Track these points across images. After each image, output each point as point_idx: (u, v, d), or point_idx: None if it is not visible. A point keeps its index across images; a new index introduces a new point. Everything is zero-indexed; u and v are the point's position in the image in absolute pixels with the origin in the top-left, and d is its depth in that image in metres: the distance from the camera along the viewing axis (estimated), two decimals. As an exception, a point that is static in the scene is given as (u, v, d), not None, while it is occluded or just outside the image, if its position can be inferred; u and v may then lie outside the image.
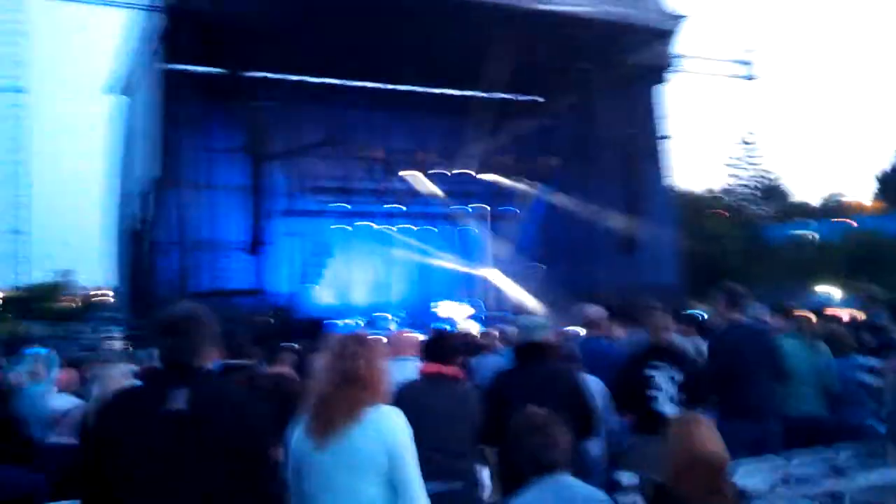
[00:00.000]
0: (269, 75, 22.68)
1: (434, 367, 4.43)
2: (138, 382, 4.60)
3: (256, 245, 20.62)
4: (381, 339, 3.14)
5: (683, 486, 3.15)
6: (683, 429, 3.31)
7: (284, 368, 5.36)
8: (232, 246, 22.30)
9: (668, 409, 5.31)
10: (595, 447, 5.16)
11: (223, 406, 2.72)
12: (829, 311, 8.52)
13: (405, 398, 3.61)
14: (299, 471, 2.88)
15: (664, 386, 5.42)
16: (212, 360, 2.92)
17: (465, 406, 4.32)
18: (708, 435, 3.25)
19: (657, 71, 24.71)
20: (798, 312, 6.92)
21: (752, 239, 43.18)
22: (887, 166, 54.79)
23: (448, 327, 22.55)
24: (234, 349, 5.33)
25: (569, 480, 3.20)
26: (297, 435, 2.88)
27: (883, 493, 4.44)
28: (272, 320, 21.28)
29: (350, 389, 2.79)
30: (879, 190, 55.95)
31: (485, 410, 4.32)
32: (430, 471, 3.01)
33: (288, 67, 22.89)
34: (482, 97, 26.60)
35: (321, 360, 2.94)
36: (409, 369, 4.71)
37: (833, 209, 56.54)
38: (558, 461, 3.20)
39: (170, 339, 2.78)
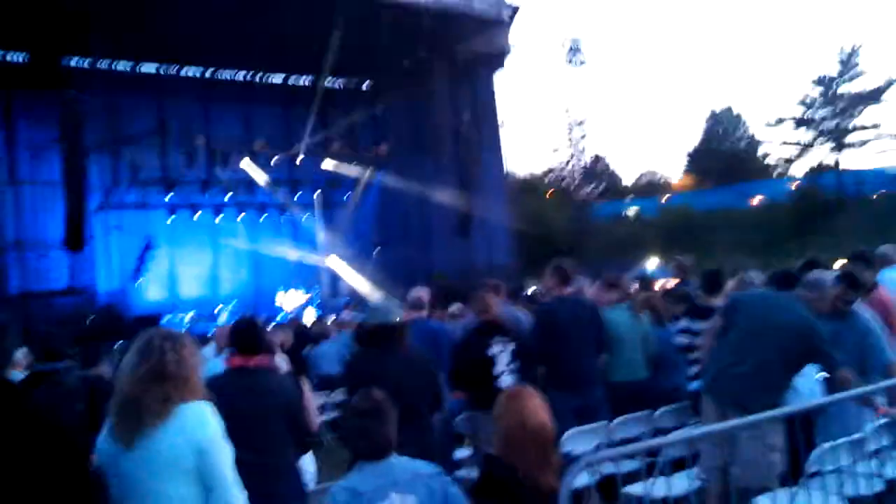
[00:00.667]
0: (86, 62, 21.32)
1: (239, 360, 4.13)
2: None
3: (75, 242, 19.33)
4: (188, 335, 2.98)
5: (514, 457, 3.27)
6: (513, 402, 3.42)
7: (101, 370, 5.03)
8: (48, 244, 20.89)
9: (508, 382, 5.46)
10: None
11: (20, 418, 2.55)
12: (648, 282, 8.95)
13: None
14: (105, 475, 2.70)
15: (506, 361, 5.57)
16: (13, 367, 2.72)
17: (275, 397, 4.07)
18: (536, 407, 3.36)
19: (492, 59, 25.27)
20: (623, 282, 7.24)
21: (578, 218, 45.13)
22: (696, 143, 58.66)
23: (281, 317, 22.27)
24: (48, 352, 4.96)
25: (401, 460, 3.25)
26: (103, 437, 2.71)
27: (693, 444, 4.78)
28: (91, 319, 20.14)
29: (157, 387, 2.64)
30: (689, 164, 59.87)
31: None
32: (241, 472, 2.86)
33: (107, 53, 21.59)
34: (315, 84, 26.28)
35: (127, 358, 2.76)
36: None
37: (649, 186, 60.11)
38: (390, 443, 3.24)
39: None
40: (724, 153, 53.76)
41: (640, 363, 6.61)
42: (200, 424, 2.72)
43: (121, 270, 23.56)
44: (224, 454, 2.75)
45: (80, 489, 2.58)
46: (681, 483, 4.80)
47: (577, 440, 5.16)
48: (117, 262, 23.58)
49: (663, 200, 48.86)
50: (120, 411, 2.67)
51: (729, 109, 56.59)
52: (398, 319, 5.07)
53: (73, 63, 20.79)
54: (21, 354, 5.15)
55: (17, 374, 5.08)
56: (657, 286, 9.73)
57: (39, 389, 4.35)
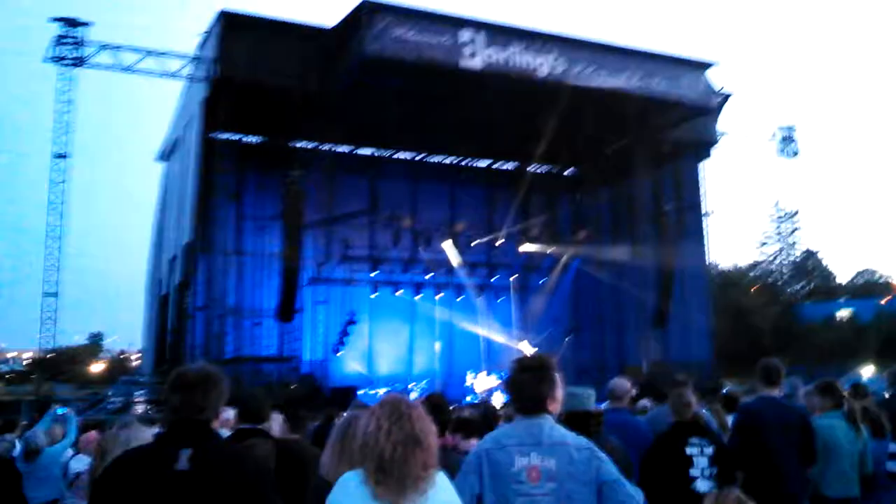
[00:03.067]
0: (308, 145, 23.11)
1: None
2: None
3: (286, 312, 20.67)
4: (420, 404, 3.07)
5: None
6: None
7: (297, 436, 5.28)
8: (261, 313, 22.39)
9: (705, 486, 5.19)
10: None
11: (226, 466, 2.72)
12: (863, 392, 8.25)
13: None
14: None
15: (702, 464, 5.31)
16: (220, 420, 2.90)
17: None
18: None
19: (698, 147, 24.86)
20: (841, 391, 6.73)
21: (785, 317, 42.64)
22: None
23: (470, 398, 22.41)
24: (251, 413, 5.27)
25: (553, 426, 3.35)
26: (357, 500, 2.73)
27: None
28: (294, 387, 21.22)
29: (417, 453, 2.74)
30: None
31: None
32: None
33: (325, 137, 23.31)
34: (519, 169, 26.93)
35: (372, 421, 2.85)
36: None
37: (866, 287, 55.78)
38: (544, 401, 3.39)
39: (178, 396, 2.79)
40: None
41: (854, 478, 6.07)
42: (452, 492, 2.85)
43: (324, 341, 24.78)
44: None
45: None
46: None
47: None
48: (322, 333, 24.85)
49: (883, 302, 45.13)
50: (380, 474, 2.70)
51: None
52: (595, 407, 4.97)
53: (298, 145, 22.55)
54: (231, 414, 5.50)
55: (223, 432, 5.44)
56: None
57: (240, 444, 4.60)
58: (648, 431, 6.50)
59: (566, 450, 3.23)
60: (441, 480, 2.81)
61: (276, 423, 5.36)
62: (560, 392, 3.47)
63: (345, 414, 11.19)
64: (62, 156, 21.19)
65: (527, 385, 3.36)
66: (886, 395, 8.44)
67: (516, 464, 3.19)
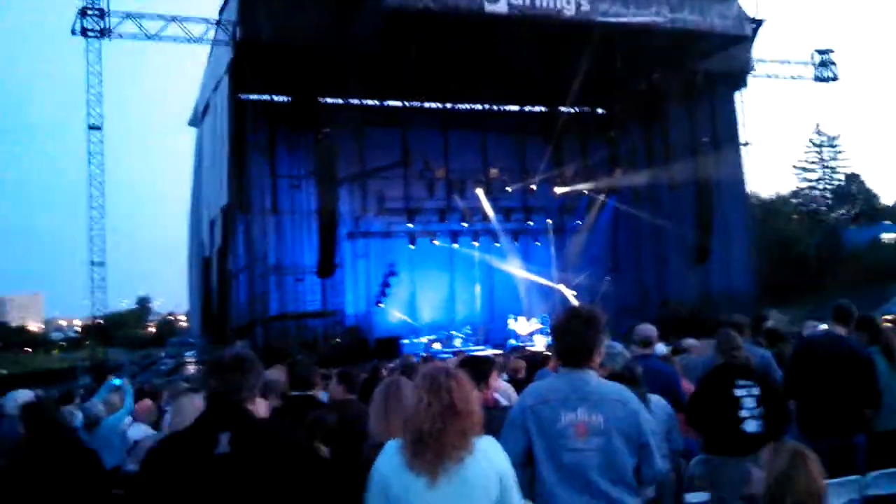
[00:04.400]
0: (336, 101, 23.07)
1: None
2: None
3: (326, 268, 20.91)
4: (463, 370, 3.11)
5: None
6: (794, 462, 3.07)
7: (351, 397, 5.39)
8: (303, 269, 22.69)
9: (753, 427, 5.22)
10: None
11: (267, 448, 2.77)
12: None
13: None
14: None
15: (751, 405, 5.33)
16: (256, 398, 2.96)
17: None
18: (817, 472, 3.03)
19: (733, 77, 24.31)
20: (878, 325, 6.67)
21: (828, 244, 41.99)
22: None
23: (513, 341, 22.62)
24: (299, 380, 5.39)
25: (598, 379, 3.36)
26: (397, 471, 2.81)
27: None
28: (339, 340, 21.57)
29: (455, 422, 2.80)
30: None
31: None
32: None
33: (354, 92, 23.24)
34: (550, 112, 26.65)
35: (413, 394, 2.92)
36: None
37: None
38: (591, 351, 3.37)
39: (215, 380, 2.85)
40: None
41: None
42: (499, 455, 2.88)
43: (366, 294, 25.08)
44: (516, 483, 2.90)
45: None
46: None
47: (831, 493, 4.80)
48: (363, 286, 25.17)
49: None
50: (417, 446, 2.77)
51: None
52: (621, 365, 4.96)
53: (327, 101, 22.52)
54: (278, 375, 5.64)
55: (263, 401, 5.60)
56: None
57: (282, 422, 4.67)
58: (677, 377, 6.54)
59: (613, 405, 3.23)
60: (483, 446, 2.85)
61: (262, 407, 5.55)
62: (604, 348, 3.49)
63: (391, 365, 11.38)
64: (96, 127, 21.43)
65: (576, 331, 3.33)
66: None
67: (563, 419, 3.19)
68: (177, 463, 2.70)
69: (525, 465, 3.23)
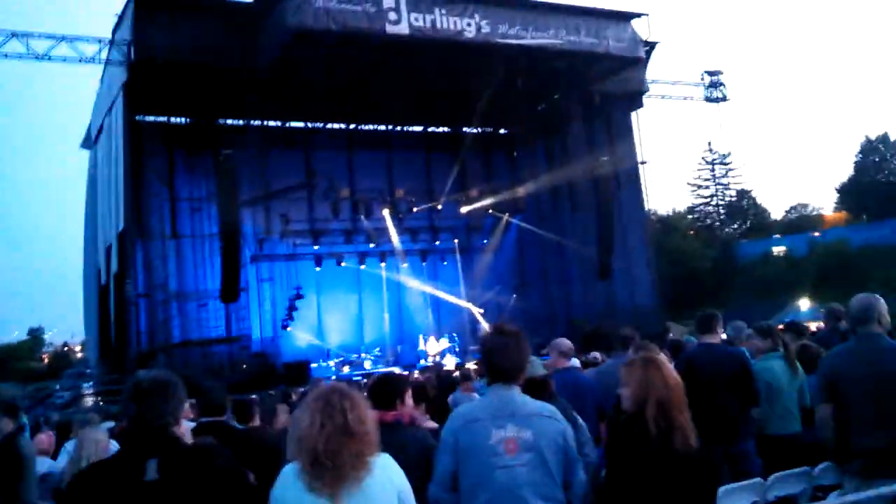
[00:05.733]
0: (237, 122, 22.69)
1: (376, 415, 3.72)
2: (115, 445, 4.53)
3: (230, 292, 20.42)
4: (358, 388, 3.09)
5: (650, 418, 3.37)
6: (647, 366, 3.54)
7: (255, 421, 5.28)
8: (206, 294, 22.14)
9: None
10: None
11: (197, 471, 2.69)
12: (801, 329, 8.53)
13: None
14: None
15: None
16: (181, 422, 2.87)
17: (407, 451, 3.67)
18: (668, 370, 3.58)
19: (629, 97, 25.09)
20: (777, 331, 6.94)
21: (723, 258, 43.68)
22: (846, 178, 55.50)
23: (423, 361, 22.59)
24: (212, 407, 5.25)
25: (523, 396, 3.42)
26: (298, 495, 2.77)
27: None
28: (246, 366, 21.11)
29: (351, 444, 2.76)
30: (839, 200, 56.82)
31: None
32: None
33: (255, 113, 22.92)
34: (455, 132, 26.90)
35: (307, 415, 2.87)
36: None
37: (799, 221, 57.35)
38: (522, 369, 3.48)
39: (137, 405, 2.74)
40: (881, 183, 50.53)
41: (796, 416, 6.31)
42: (397, 474, 2.89)
43: (272, 319, 24.62)
44: (413, 499, 2.92)
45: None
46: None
47: (731, 496, 4.95)
48: (269, 310, 24.68)
49: (815, 234, 46.47)
50: (315, 468, 2.73)
51: (885, 136, 53.10)
52: (543, 372, 5.04)
53: (227, 122, 22.10)
54: (188, 405, 5.47)
55: (186, 423, 5.43)
56: (812, 328, 9.27)
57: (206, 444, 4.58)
58: (597, 388, 6.64)
59: (541, 421, 3.27)
60: (381, 465, 2.84)
61: (185, 430, 5.42)
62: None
63: (301, 390, 11.15)
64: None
65: (507, 354, 3.36)
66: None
67: (493, 436, 3.21)
68: (106, 492, 2.59)
69: (451, 488, 3.25)
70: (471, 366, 16.21)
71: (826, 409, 4.61)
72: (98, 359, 23.69)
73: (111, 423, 8.19)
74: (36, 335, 54.89)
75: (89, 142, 24.61)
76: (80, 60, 19.44)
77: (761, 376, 6.24)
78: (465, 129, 26.71)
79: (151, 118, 21.22)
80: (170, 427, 2.75)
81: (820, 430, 4.77)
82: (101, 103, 21.95)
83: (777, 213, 61.14)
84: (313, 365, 22.31)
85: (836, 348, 4.99)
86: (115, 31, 19.34)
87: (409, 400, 4.68)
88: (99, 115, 22.47)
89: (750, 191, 58.24)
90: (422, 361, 22.86)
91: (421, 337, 24.48)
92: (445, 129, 27.89)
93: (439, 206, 26.49)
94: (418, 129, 28.10)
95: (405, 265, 26.78)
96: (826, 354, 5.16)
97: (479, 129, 27.17)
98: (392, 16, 17.90)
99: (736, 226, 56.72)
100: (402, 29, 18.05)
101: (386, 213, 25.47)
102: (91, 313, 24.79)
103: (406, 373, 16.86)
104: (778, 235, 51.06)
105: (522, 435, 3.21)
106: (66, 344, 53.98)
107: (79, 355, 43.15)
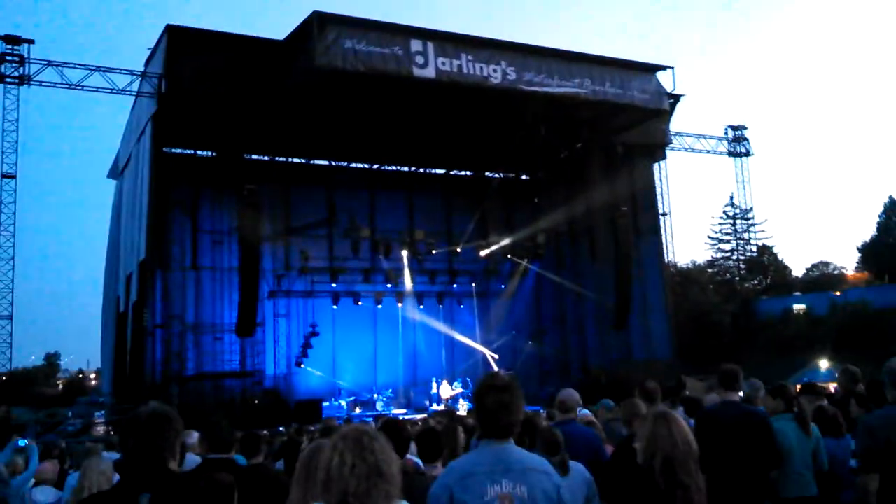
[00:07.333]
0: (262, 157, 22.90)
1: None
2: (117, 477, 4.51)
3: (247, 327, 20.46)
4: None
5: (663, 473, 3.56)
6: (657, 423, 3.72)
7: (260, 459, 5.25)
8: (222, 328, 22.19)
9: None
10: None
11: None
12: (816, 390, 8.39)
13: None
14: None
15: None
16: (177, 455, 2.87)
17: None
18: (679, 428, 3.72)
19: (652, 149, 25.17)
20: (792, 393, 6.83)
21: (743, 313, 43.24)
22: (868, 237, 55.11)
23: (436, 405, 22.42)
24: (219, 443, 5.21)
25: (518, 449, 3.34)
26: None
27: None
28: (258, 402, 21.05)
29: (381, 485, 2.73)
30: (861, 260, 56.34)
31: None
32: None
33: (280, 150, 23.16)
34: (476, 176, 27.01)
35: (335, 455, 2.84)
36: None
37: (820, 279, 56.81)
38: (517, 425, 3.37)
39: (133, 440, 2.75)
40: (904, 244, 49.99)
41: (809, 478, 6.17)
42: None
43: (287, 355, 24.59)
44: None
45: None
46: None
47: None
48: (284, 346, 24.67)
49: (837, 294, 45.97)
50: None
51: (909, 196, 52.59)
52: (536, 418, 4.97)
53: (253, 157, 22.32)
54: (195, 439, 5.45)
55: (194, 458, 5.39)
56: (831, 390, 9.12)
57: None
58: (599, 442, 6.55)
59: (536, 475, 3.20)
60: None
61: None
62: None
63: (312, 428, 11.06)
64: (10, 176, 20.79)
65: (500, 409, 3.26)
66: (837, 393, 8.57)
67: (488, 493, 3.14)
68: None
69: None
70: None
71: (873, 479, 4.37)
72: (112, 387, 23.73)
73: (117, 455, 8.18)
74: (52, 361, 55.11)
75: (115, 172, 24.95)
76: (112, 91, 19.80)
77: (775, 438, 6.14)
78: (486, 173, 26.81)
79: (179, 150, 21.45)
80: (165, 462, 2.75)
81: (862, 499, 4.50)
82: (130, 134, 22.32)
83: (798, 270, 60.62)
84: (325, 403, 22.19)
85: (885, 412, 4.59)
86: (147, 64, 19.74)
87: (413, 447, 4.66)
88: (127, 146, 22.82)
89: (771, 247, 57.82)
90: (434, 406, 22.69)
91: (434, 381, 24.32)
92: (467, 172, 28.01)
93: (458, 249, 26.51)
94: (440, 171, 28.24)
95: (422, 307, 26.72)
96: (867, 419, 4.90)
97: (501, 175, 27.27)
98: (419, 59, 18.15)
99: (756, 281, 56.18)
100: (429, 73, 18.27)
101: (405, 253, 25.50)
102: (108, 341, 24.89)
103: (419, 416, 16.71)
104: (798, 293, 50.56)
105: (518, 490, 3.14)
106: (81, 371, 54.11)
107: (93, 382, 43.24)
